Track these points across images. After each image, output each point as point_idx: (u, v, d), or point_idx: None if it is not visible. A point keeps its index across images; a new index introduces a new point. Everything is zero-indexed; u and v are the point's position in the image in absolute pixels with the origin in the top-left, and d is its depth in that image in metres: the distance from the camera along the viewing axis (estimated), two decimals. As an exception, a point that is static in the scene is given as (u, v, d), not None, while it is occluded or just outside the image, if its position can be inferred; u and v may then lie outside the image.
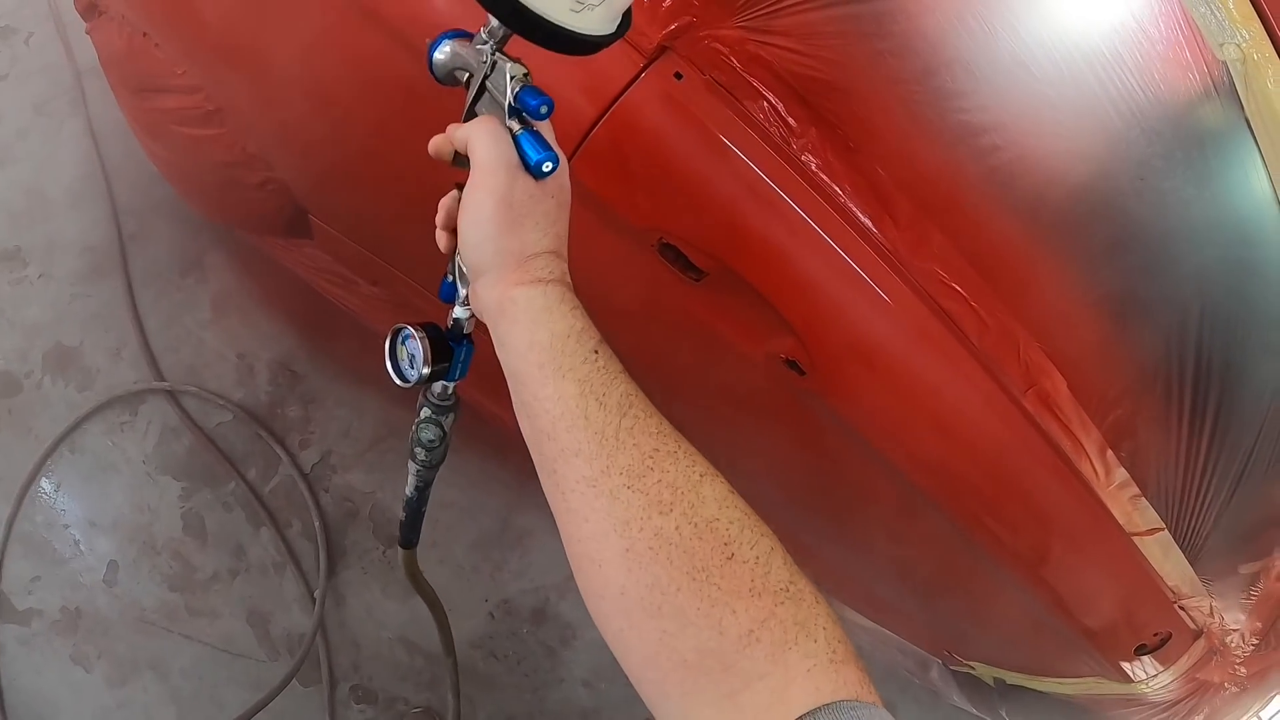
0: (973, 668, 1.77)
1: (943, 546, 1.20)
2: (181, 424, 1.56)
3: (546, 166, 0.48)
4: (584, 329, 0.45)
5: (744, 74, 0.79)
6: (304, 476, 1.54)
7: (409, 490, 0.71)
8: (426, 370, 0.57)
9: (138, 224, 1.66)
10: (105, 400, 1.57)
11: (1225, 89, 0.88)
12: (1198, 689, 1.65)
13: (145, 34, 1.11)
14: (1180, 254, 0.99)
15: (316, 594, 1.50)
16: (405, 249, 1.30)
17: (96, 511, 1.55)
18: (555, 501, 0.44)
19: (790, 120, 0.81)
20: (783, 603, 0.38)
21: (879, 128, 0.86)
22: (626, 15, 0.52)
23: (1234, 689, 1.69)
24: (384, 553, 1.52)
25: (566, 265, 0.50)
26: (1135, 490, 1.17)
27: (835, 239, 0.82)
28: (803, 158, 0.81)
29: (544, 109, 0.49)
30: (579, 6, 0.47)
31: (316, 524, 1.52)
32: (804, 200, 0.79)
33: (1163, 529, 1.24)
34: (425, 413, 0.65)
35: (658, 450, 0.41)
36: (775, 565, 0.39)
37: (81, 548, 1.55)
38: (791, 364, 0.97)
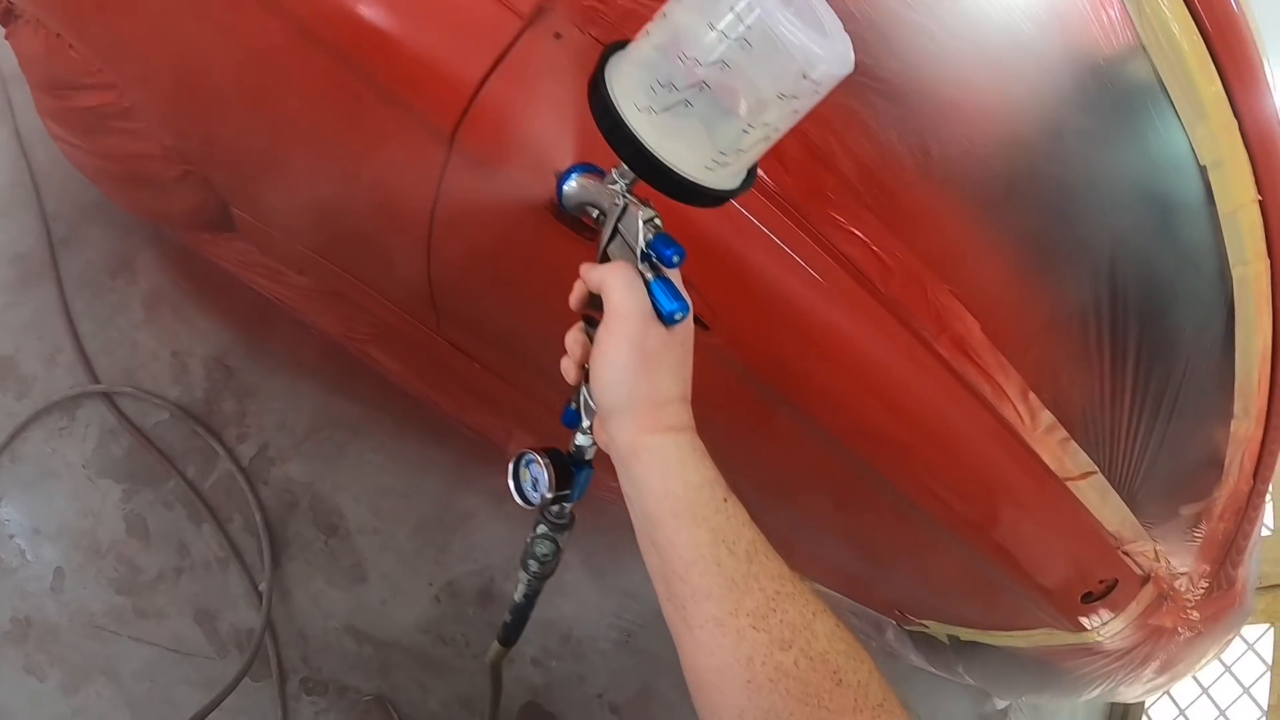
0: (926, 626, 1.69)
1: (869, 499, 1.11)
2: (119, 426, 1.47)
3: (678, 316, 0.47)
4: (715, 478, 0.46)
5: (623, 31, 0.70)
6: (242, 470, 1.44)
7: (518, 596, 0.70)
8: (550, 495, 0.57)
9: (67, 229, 1.55)
10: (43, 407, 1.47)
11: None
12: (1150, 635, 1.56)
13: (59, 35, 1.03)
14: (1089, 191, 0.90)
15: (263, 588, 1.41)
16: (325, 234, 1.21)
17: (40, 519, 1.46)
18: (681, 633, 0.45)
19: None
20: (879, 717, 0.42)
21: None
22: (752, 169, 0.50)
23: (1188, 633, 1.60)
24: (326, 542, 1.43)
25: (690, 407, 0.50)
26: (1063, 433, 1.08)
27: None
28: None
29: (675, 258, 0.48)
30: (714, 165, 0.46)
31: (258, 517, 1.43)
32: None
33: (1095, 472, 1.14)
34: (542, 529, 0.64)
35: (779, 592, 0.43)
36: (873, 686, 0.43)
37: (28, 556, 1.45)
38: (696, 319, 0.88)
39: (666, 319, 0.48)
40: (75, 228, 1.56)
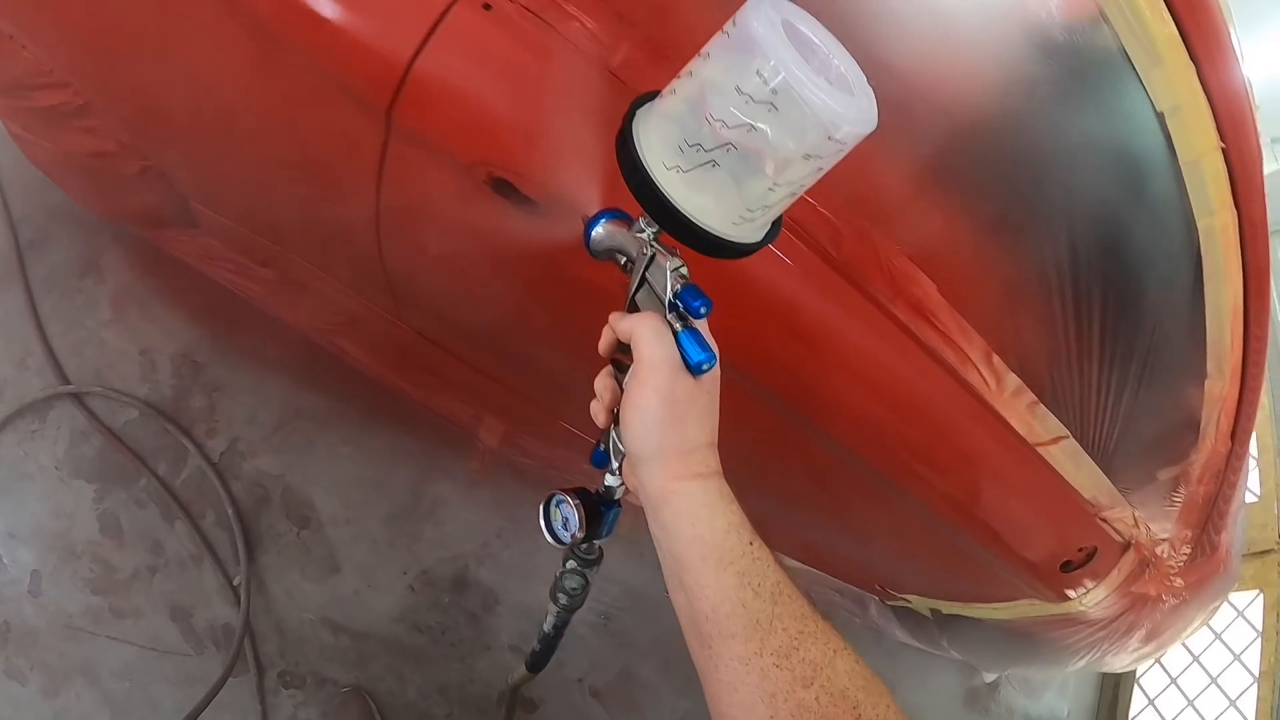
0: (908, 601, 1.64)
1: (834, 471, 1.06)
2: (90, 426, 1.43)
3: (706, 367, 0.47)
4: (741, 522, 0.46)
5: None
6: (213, 466, 1.40)
7: (547, 627, 0.70)
8: (581, 534, 0.57)
9: (34, 231, 1.51)
10: (15, 410, 1.43)
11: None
12: (1134, 603, 1.51)
13: (11, 36, 0.99)
14: (1043, 143, 0.84)
15: (238, 583, 1.37)
16: (279, 222, 1.17)
17: (15, 523, 1.42)
18: (706, 671, 0.46)
19: (604, 38, 0.69)
20: None
21: (693, 31, 0.73)
22: (777, 222, 0.50)
23: (1173, 601, 1.55)
24: (298, 534, 1.39)
25: (718, 452, 0.50)
26: (1031, 397, 1.02)
27: None
28: (621, 74, 0.69)
29: (703, 309, 0.48)
30: (740, 221, 0.46)
31: (230, 512, 1.39)
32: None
33: (1066, 436, 1.09)
34: (571, 564, 0.64)
35: (802, 631, 0.43)
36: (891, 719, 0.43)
37: (4, 560, 1.41)
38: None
39: (694, 369, 0.47)
40: (42, 230, 1.51)
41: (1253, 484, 2.37)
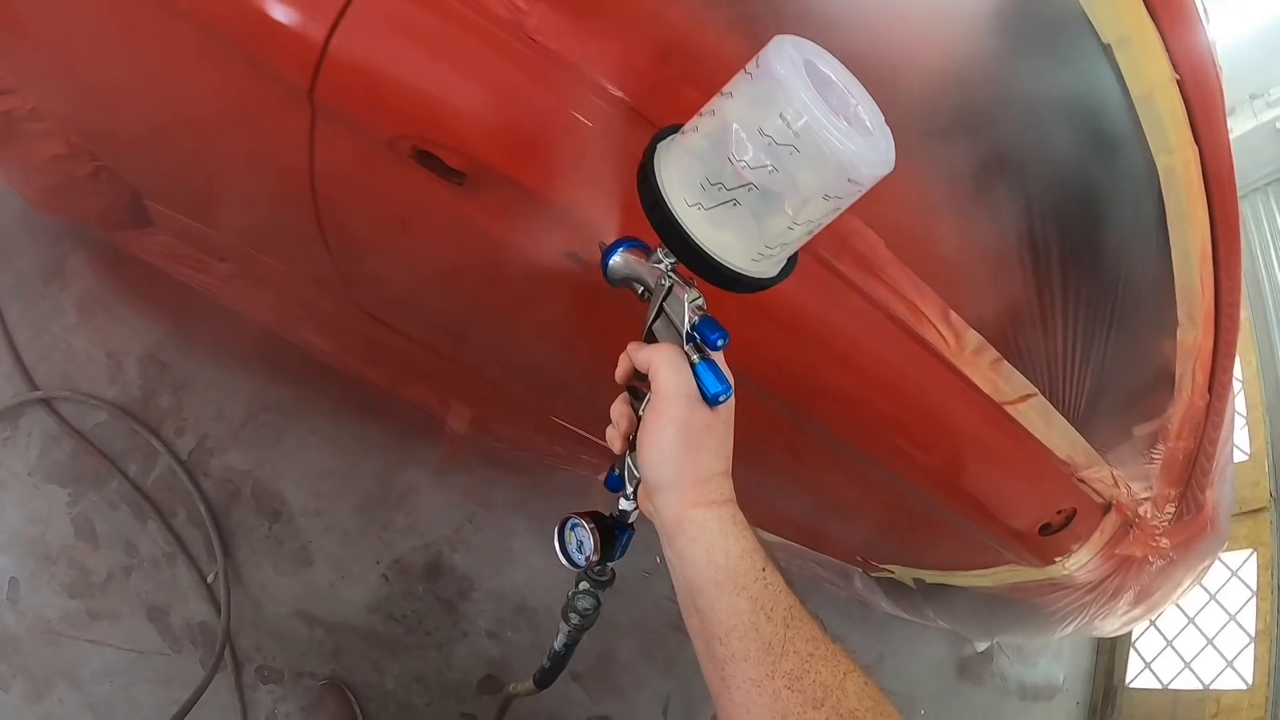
0: (891, 571, 1.58)
1: (798, 442, 1.01)
2: (60, 430, 1.39)
3: (722, 398, 0.47)
4: (754, 548, 0.46)
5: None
6: (182, 464, 1.36)
7: (558, 645, 0.70)
8: (595, 557, 0.56)
9: (-2, 239, 1.47)
10: (-14, 418, 1.39)
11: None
12: (1120, 565, 1.45)
13: None
14: (986, 85, 0.78)
15: (212, 580, 1.33)
16: (233, 214, 1.13)
17: (-10, 530, 1.39)
18: (719, 692, 0.46)
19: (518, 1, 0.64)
20: None
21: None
22: (793, 257, 0.50)
23: (1160, 562, 1.48)
24: (270, 529, 1.35)
25: (731, 480, 0.50)
26: (994, 354, 0.96)
27: (587, 115, 0.65)
28: (536, 38, 0.64)
29: (720, 341, 0.48)
30: (759, 257, 0.46)
31: (201, 508, 1.35)
32: (545, 80, 0.64)
33: (1035, 394, 1.03)
34: (584, 585, 0.64)
35: (813, 654, 0.44)
36: None
37: (-18, 568, 1.39)
38: (573, 256, 0.78)
39: (711, 401, 0.47)
40: (5, 238, 1.47)
41: (1242, 442, 2.30)
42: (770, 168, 0.42)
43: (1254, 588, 2.19)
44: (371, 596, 1.35)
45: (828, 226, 0.78)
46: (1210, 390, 1.14)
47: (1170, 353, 1.04)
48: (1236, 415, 2.33)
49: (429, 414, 1.36)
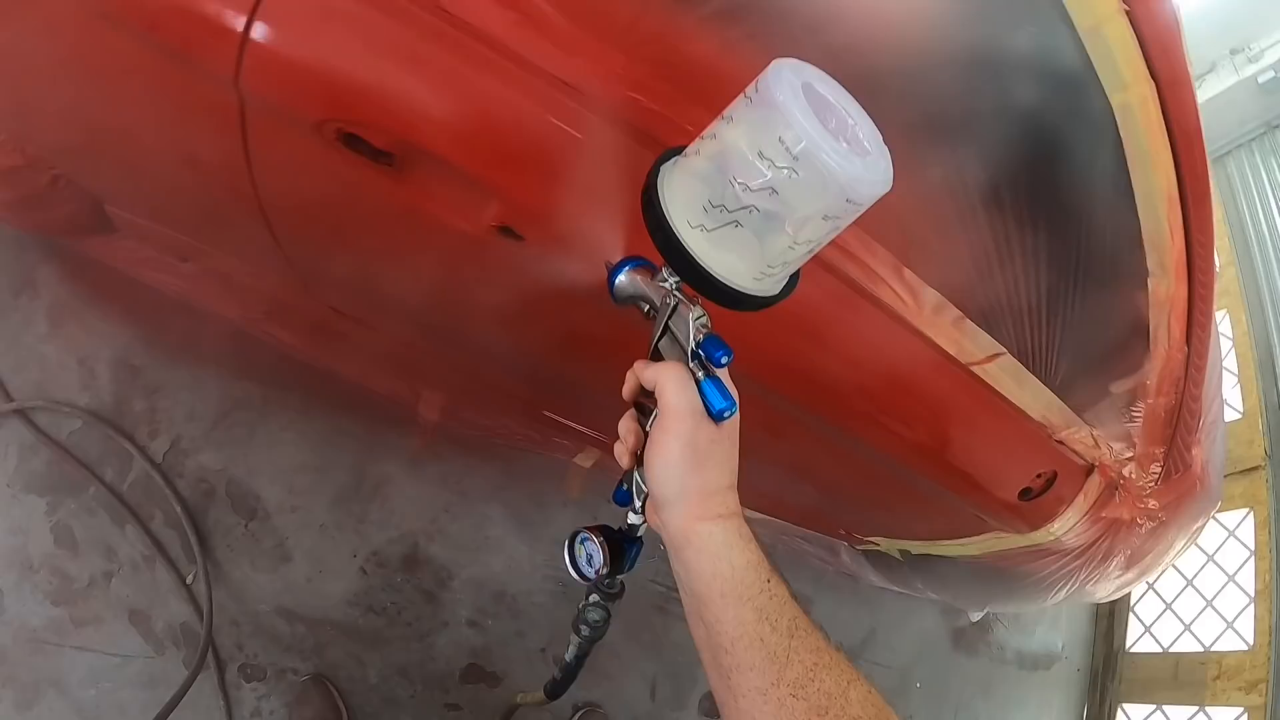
0: (876, 544, 1.54)
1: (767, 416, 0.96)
2: (37, 440, 1.37)
3: (727, 414, 0.47)
4: (759, 561, 0.47)
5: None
6: (157, 467, 1.34)
7: (569, 656, 0.68)
8: (605, 570, 0.56)
9: (-34, 253, 1.45)
10: (-37, 432, 1.37)
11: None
12: (1108, 529, 1.39)
13: None
14: (922, 27, 0.73)
15: (191, 581, 1.30)
16: (185, 213, 1.09)
17: (-27, 543, 1.37)
18: (726, 701, 0.46)
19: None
20: None
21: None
22: (795, 276, 0.50)
23: (1149, 524, 1.43)
24: (246, 526, 1.32)
25: (737, 493, 0.50)
26: (955, 313, 0.91)
27: (508, 84, 0.62)
28: (445, 5, 0.61)
29: (724, 359, 0.48)
30: (761, 276, 0.46)
31: (178, 510, 1.32)
32: (464, 53, 0.61)
33: (1003, 353, 0.98)
34: (594, 598, 0.63)
35: (817, 664, 0.44)
36: None
37: (-33, 581, 1.37)
38: (506, 230, 0.74)
39: (716, 417, 0.47)
40: (-26, 251, 1.45)
41: (1234, 400, 2.23)
42: (771, 190, 0.42)
43: (1252, 547, 2.13)
44: (350, 590, 1.32)
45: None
46: (1188, 342, 1.08)
47: (1143, 304, 0.99)
48: (1227, 373, 2.26)
49: (400, 404, 1.32)
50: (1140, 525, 1.40)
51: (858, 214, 0.44)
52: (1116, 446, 1.24)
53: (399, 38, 0.60)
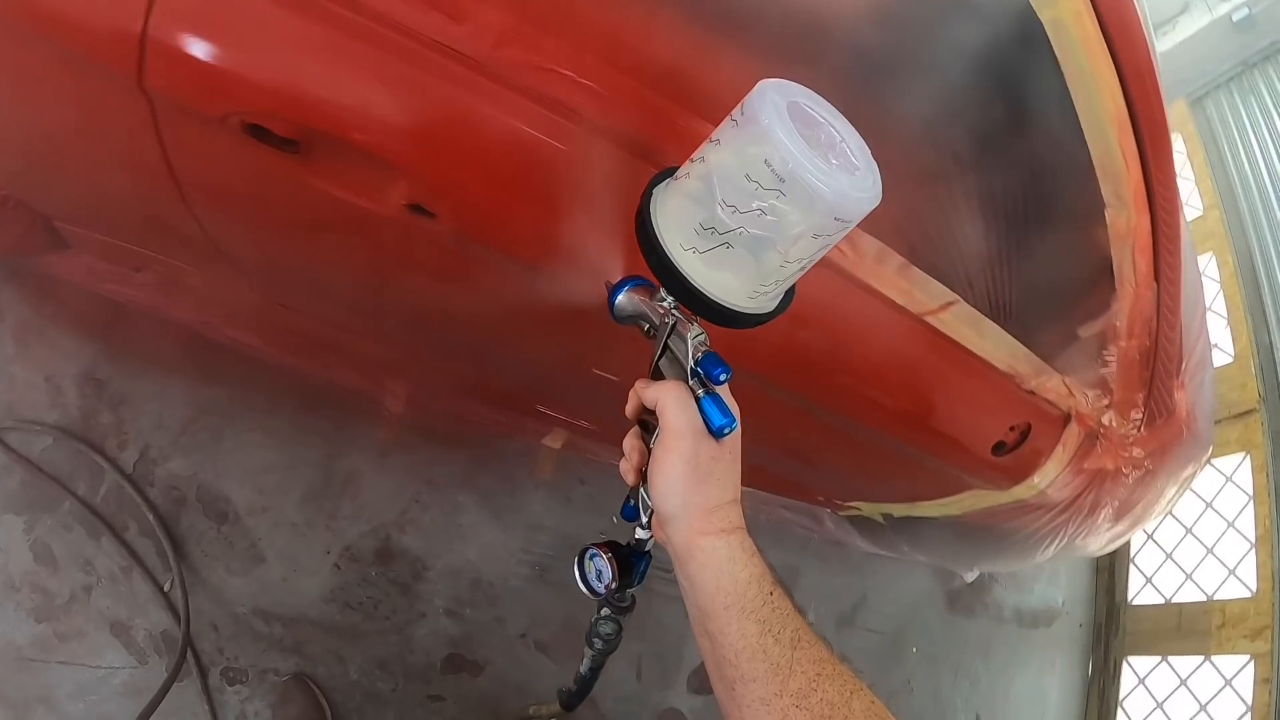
0: (858, 509, 1.48)
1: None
2: (9, 460, 1.34)
3: (727, 431, 0.47)
4: (762, 574, 0.47)
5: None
6: (128, 478, 1.31)
7: (583, 669, 0.69)
8: (614, 585, 0.56)
9: (-71, 280, 1.42)
10: (-63, 456, 1.35)
11: None
12: (1092, 480, 1.32)
13: None
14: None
15: (168, 589, 1.27)
16: (126, 221, 1.06)
17: (-46, 565, 1.35)
18: (730, 711, 0.46)
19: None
20: None
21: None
22: (790, 291, 0.50)
23: (1135, 473, 1.36)
24: (219, 530, 1.29)
25: (740, 506, 0.50)
26: (899, 260, 0.84)
27: (402, 58, 0.60)
28: None
29: (723, 376, 0.48)
30: (755, 295, 0.46)
31: (151, 518, 1.29)
32: (354, 33, 0.59)
33: (956, 300, 0.91)
34: (605, 612, 0.63)
35: (820, 674, 0.44)
36: None
37: (-49, 602, 1.35)
38: (416, 208, 0.70)
39: (716, 434, 0.47)
40: (-65, 277, 1.42)
41: (1225, 344, 2.14)
42: (759, 212, 0.42)
43: (1250, 492, 2.05)
44: (326, 587, 1.28)
45: (672, 132, 0.69)
46: (1157, 279, 1.01)
47: (1103, 240, 0.92)
48: (1215, 316, 2.17)
49: (364, 396, 1.28)
50: (1126, 475, 1.34)
51: (848, 230, 0.44)
52: (1092, 394, 1.17)
53: (288, 24, 0.58)
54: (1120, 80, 0.76)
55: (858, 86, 0.70)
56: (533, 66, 0.63)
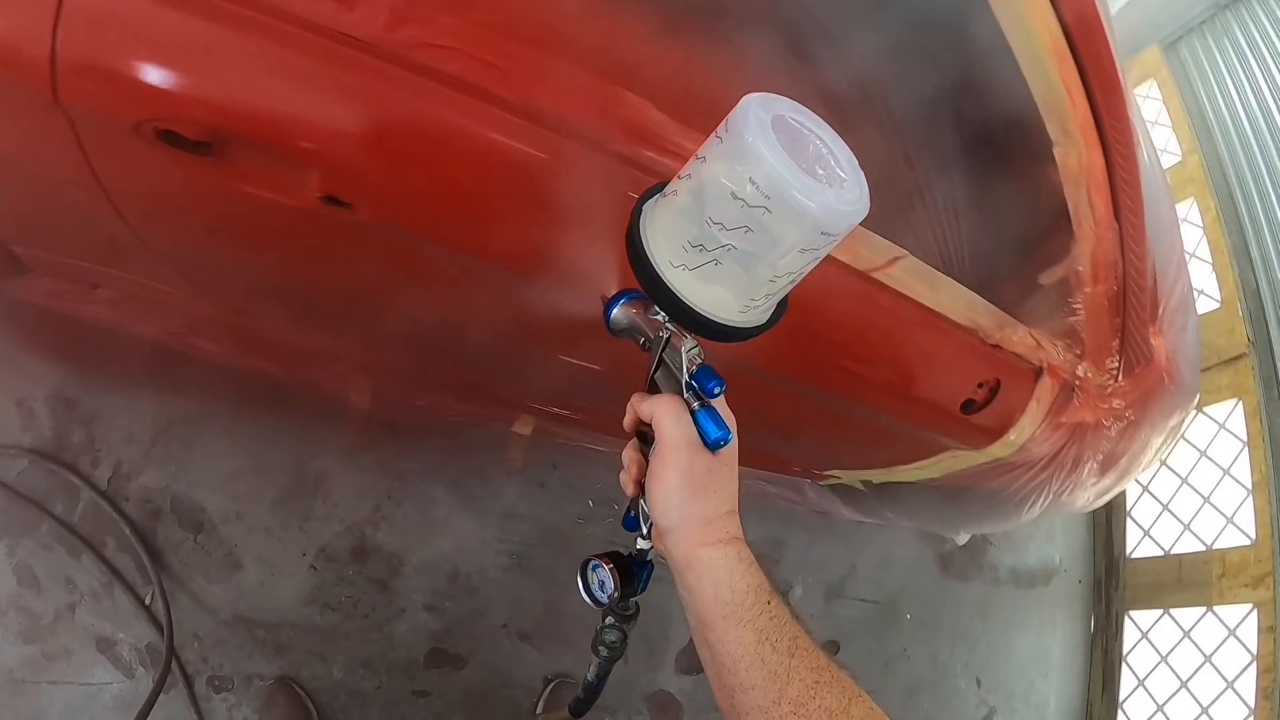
0: (838, 477, 1.43)
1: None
2: (-12, 486, 1.32)
3: (722, 443, 0.47)
4: (760, 584, 0.47)
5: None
6: (102, 494, 1.29)
7: (590, 676, 0.68)
8: (617, 594, 0.56)
9: (-106, 313, 1.40)
10: (-85, 488, 1.33)
11: None
12: (1073, 434, 1.26)
13: None
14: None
15: (151, 601, 1.26)
16: (75, 240, 1.03)
17: (-60, 592, 1.33)
18: (730, 717, 0.47)
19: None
20: None
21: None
22: (782, 303, 0.50)
23: (1118, 424, 1.30)
24: (195, 539, 1.27)
25: (738, 516, 0.50)
26: (837, 214, 0.80)
27: (298, 49, 0.58)
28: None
29: (717, 389, 0.48)
30: (746, 309, 0.46)
31: (128, 533, 1.27)
32: (253, 30, 0.58)
33: (904, 254, 0.86)
34: (610, 620, 0.62)
35: (818, 681, 0.44)
36: None
37: (-61, 629, 1.33)
38: (331, 199, 0.67)
39: (712, 446, 0.47)
40: (-101, 311, 1.40)
41: (1211, 290, 2.07)
42: (746, 229, 0.41)
43: (1244, 438, 1.98)
44: (304, 589, 1.26)
45: (578, 102, 0.65)
46: (1118, 218, 0.95)
47: (1054, 179, 0.86)
48: (1199, 261, 2.10)
49: (329, 396, 1.25)
50: (1108, 427, 1.28)
51: (836, 243, 0.43)
52: (1063, 345, 1.12)
53: (181, 26, 0.56)
54: (1054, 9, 0.71)
55: (778, 30, 0.65)
56: (426, 45, 0.61)
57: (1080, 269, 0.99)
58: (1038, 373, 1.12)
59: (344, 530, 1.28)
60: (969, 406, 1.08)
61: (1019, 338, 1.04)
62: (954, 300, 0.93)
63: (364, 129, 0.62)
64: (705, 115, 0.67)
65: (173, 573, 1.27)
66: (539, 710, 1.33)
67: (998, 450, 1.21)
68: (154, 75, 0.57)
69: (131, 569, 1.28)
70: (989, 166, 0.82)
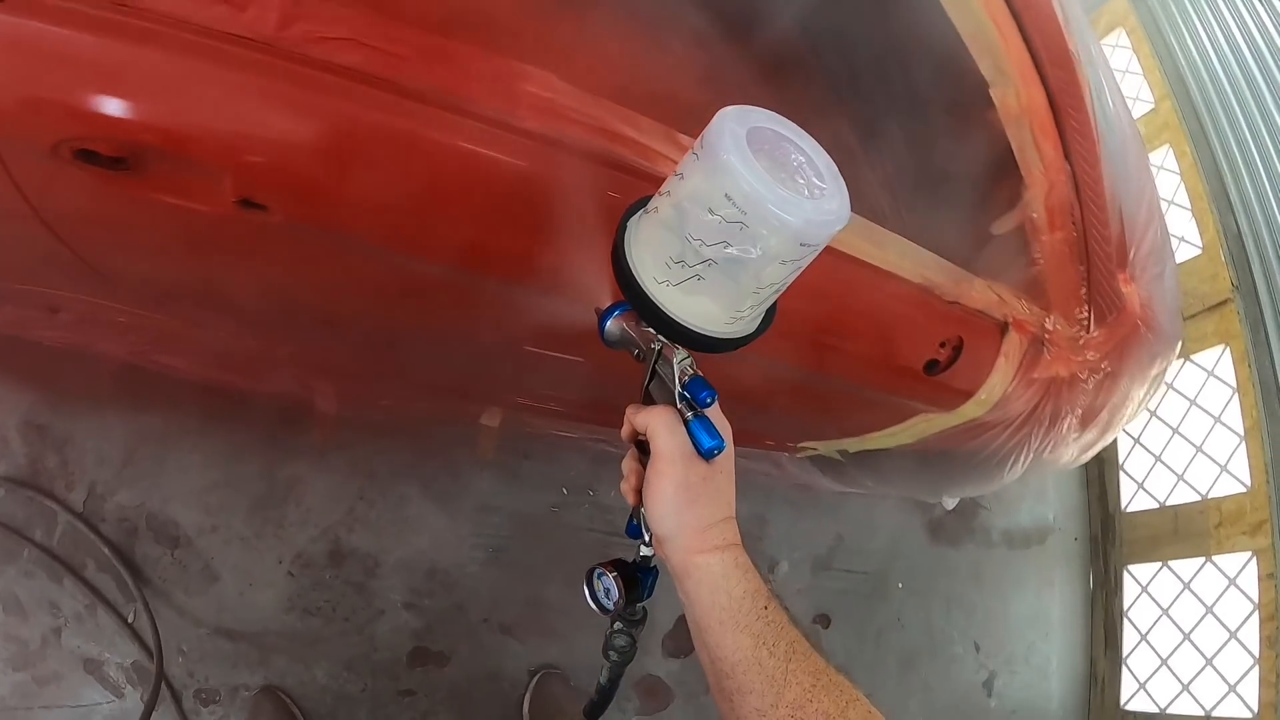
0: (815, 448, 1.39)
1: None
2: (-34, 517, 1.31)
3: (716, 452, 0.48)
4: (757, 589, 0.47)
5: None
6: (79, 517, 1.27)
7: (602, 680, 0.68)
8: (622, 601, 0.56)
9: None
10: (-105, 524, 1.32)
11: None
12: (1048, 390, 1.21)
13: None
14: None
15: (134, 619, 1.24)
16: (24, 267, 1.01)
17: (-73, 626, 1.32)
18: None
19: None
20: None
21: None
22: (771, 310, 0.50)
23: (1095, 376, 1.25)
24: (172, 554, 1.26)
25: (736, 521, 0.50)
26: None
27: (195, 56, 0.56)
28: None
29: (710, 399, 0.48)
30: (731, 320, 0.46)
31: (107, 553, 1.26)
32: (154, 42, 0.55)
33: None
34: (618, 626, 0.62)
35: (815, 685, 0.44)
36: None
37: (-71, 663, 1.33)
38: (246, 203, 0.64)
39: (706, 455, 0.48)
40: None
41: (1192, 236, 2.00)
42: (726, 244, 0.41)
43: (1233, 384, 1.92)
44: (283, 596, 1.24)
45: (476, 80, 0.62)
46: (1068, 158, 0.90)
47: (995, 123, 0.81)
48: (1178, 208, 2.03)
49: (297, 401, 1.23)
50: (1084, 380, 1.23)
51: (817, 253, 0.43)
52: (1027, 297, 1.07)
53: (77, 42, 0.54)
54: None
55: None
56: (321, 39, 0.58)
57: (1034, 215, 0.94)
58: (1003, 328, 1.07)
59: (319, 534, 1.26)
60: (933, 367, 1.03)
61: (978, 293, 1.00)
62: (903, 257, 0.89)
63: (267, 130, 0.60)
64: (608, 77, 0.63)
65: (154, 589, 1.25)
66: (527, 705, 1.31)
67: (970, 410, 1.16)
68: (56, 95, 0.56)
69: (113, 589, 1.27)
70: (926, 114, 0.77)
